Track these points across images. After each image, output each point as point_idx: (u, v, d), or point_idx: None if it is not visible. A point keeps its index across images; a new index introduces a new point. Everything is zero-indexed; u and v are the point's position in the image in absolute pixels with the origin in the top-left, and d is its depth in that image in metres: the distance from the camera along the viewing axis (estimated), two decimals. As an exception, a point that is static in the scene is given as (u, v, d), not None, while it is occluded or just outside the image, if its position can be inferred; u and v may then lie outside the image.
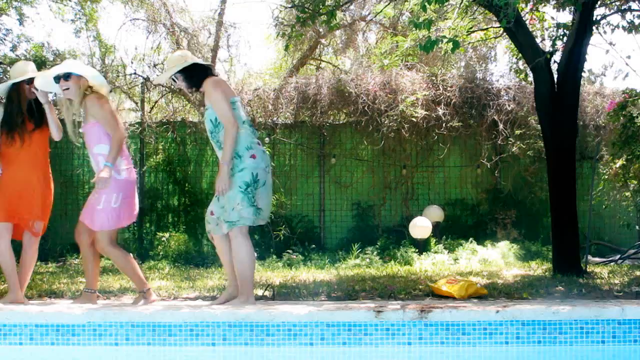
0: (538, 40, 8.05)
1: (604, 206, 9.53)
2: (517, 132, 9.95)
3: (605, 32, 7.81)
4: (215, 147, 4.87)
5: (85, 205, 4.91)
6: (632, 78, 24.06)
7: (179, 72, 4.83)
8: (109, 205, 4.77)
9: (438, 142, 10.16)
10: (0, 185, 5.04)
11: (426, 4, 5.28)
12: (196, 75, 4.82)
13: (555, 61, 7.18)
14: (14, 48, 10.69)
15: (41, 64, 10.20)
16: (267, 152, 9.91)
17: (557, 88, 6.91)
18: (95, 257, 5.04)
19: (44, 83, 4.98)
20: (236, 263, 4.71)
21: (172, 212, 10.19)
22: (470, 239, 9.56)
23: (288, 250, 9.27)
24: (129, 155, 5.04)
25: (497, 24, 7.70)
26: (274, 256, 9.15)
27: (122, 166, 4.87)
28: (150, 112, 10.93)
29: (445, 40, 5.46)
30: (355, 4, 12.23)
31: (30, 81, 5.04)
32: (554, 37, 7.62)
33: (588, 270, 7.01)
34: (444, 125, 9.89)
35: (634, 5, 7.58)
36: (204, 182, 10.44)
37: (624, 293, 5.57)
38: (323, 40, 13.69)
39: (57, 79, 4.89)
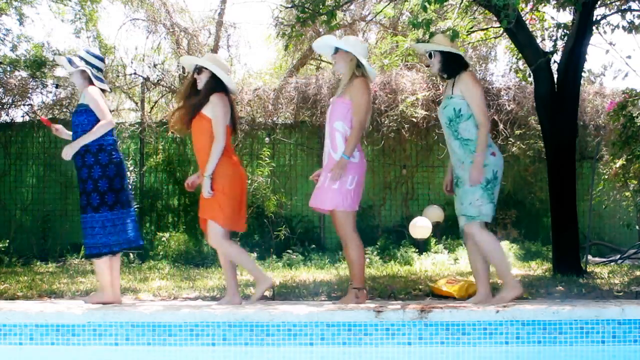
0: (538, 40, 8.05)
1: (604, 206, 9.53)
2: (517, 132, 9.94)
3: (605, 32, 7.81)
4: (450, 137, 4.78)
5: (314, 194, 4.88)
6: (632, 78, 24.03)
7: (440, 53, 4.80)
8: (344, 186, 4.73)
9: (438, 142, 10.15)
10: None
11: (426, 4, 5.28)
12: (455, 64, 4.79)
13: (555, 61, 7.18)
14: (14, 48, 10.70)
15: (41, 64, 10.22)
16: (269, 152, 9.90)
17: (557, 88, 6.91)
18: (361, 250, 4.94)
19: (321, 46, 5.04)
20: (489, 259, 4.72)
21: (172, 212, 10.19)
22: (471, 239, 9.54)
23: (288, 250, 9.27)
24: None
25: (497, 24, 7.69)
26: (274, 256, 9.15)
27: (356, 150, 4.83)
28: (150, 112, 10.94)
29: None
30: (355, 4, 12.22)
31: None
32: (554, 38, 7.62)
33: (588, 270, 7.02)
34: (444, 125, 9.88)
35: (634, 5, 7.58)
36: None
37: (624, 293, 5.57)
38: (323, 40, 13.66)
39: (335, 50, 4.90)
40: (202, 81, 4.91)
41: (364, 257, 4.90)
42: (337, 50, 4.88)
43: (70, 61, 5.00)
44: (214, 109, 4.81)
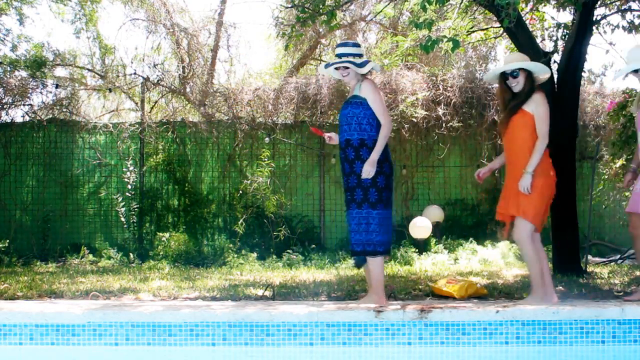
0: (538, 40, 8.05)
1: (604, 206, 9.52)
2: (517, 132, 9.93)
3: (605, 32, 7.82)
4: None
5: (632, 200, 4.99)
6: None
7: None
8: None
9: (438, 142, 10.16)
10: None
11: (426, 4, 5.28)
12: None
13: (555, 61, 7.18)
14: (14, 48, 10.71)
15: (41, 64, 10.23)
16: (268, 152, 9.90)
17: (557, 88, 6.91)
18: None
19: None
20: None
21: (172, 212, 10.19)
22: (470, 239, 9.55)
23: (288, 250, 9.27)
24: None
25: (497, 24, 7.69)
26: (274, 256, 9.15)
27: None
28: (150, 112, 10.94)
29: (445, 40, 5.45)
30: (355, 4, 12.23)
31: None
32: (554, 38, 7.62)
33: (588, 270, 7.02)
34: (444, 125, 9.89)
35: (634, 5, 7.58)
36: (204, 182, 10.44)
37: (624, 293, 5.56)
38: (323, 40, 13.69)
39: None
40: (520, 83, 4.89)
41: None
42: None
43: (352, 62, 4.88)
44: (537, 107, 4.81)
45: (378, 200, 4.81)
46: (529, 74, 4.91)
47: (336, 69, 5.00)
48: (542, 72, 4.99)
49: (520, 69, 4.89)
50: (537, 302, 4.61)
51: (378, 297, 4.80)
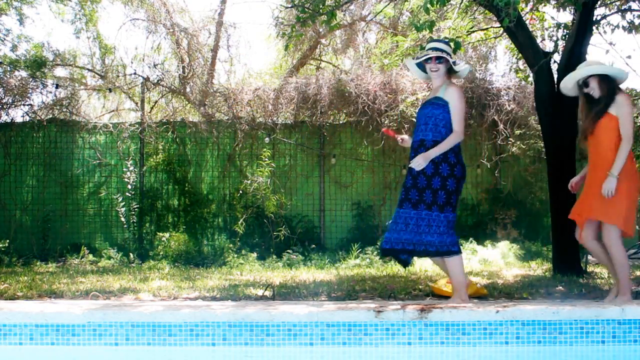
0: (538, 40, 8.05)
1: (604, 206, 9.50)
2: (517, 132, 9.94)
3: (605, 32, 7.81)
4: None
5: None
6: (632, 78, 24.01)
7: None
8: None
9: (438, 142, 10.15)
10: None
11: (429, 6, 5.28)
12: None
13: (555, 61, 7.18)
14: (14, 48, 10.72)
15: (41, 64, 10.23)
16: (269, 152, 9.90)
17: (557, 88, 6.90)
18: None
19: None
20: None
21: (172, 212, 10.19)
22: (470, 239, 9.55)
23: (288, 250, 9.27)
24: None
25: (497, 24, 7.69)
26: (274, 256, 9.15)
27: None
28: (150, 112, 10.94)
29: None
30: (355, 4, 12.23)
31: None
32: (555, 38, 7.62)
33: (588, 270, 7.01)
34: (444, 125, 9.88)
35: (634, 5, 7.58)
36: (204, 182, 10.44)
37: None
38: (323, 40, 13.69)
39: None
40: (595, 89, 4.81)
41: None
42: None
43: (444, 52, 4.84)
44: (620, 109, 4.70)
45: (446, 203, 4.81)
46: (603, 78, 4.80)
47: (428, 60, 4.90)
48: (617, 75, 4.84)
49: (591, 75, 4.80)
50: (628, 303, 4.55)
51: (461, 299, 4.81)
